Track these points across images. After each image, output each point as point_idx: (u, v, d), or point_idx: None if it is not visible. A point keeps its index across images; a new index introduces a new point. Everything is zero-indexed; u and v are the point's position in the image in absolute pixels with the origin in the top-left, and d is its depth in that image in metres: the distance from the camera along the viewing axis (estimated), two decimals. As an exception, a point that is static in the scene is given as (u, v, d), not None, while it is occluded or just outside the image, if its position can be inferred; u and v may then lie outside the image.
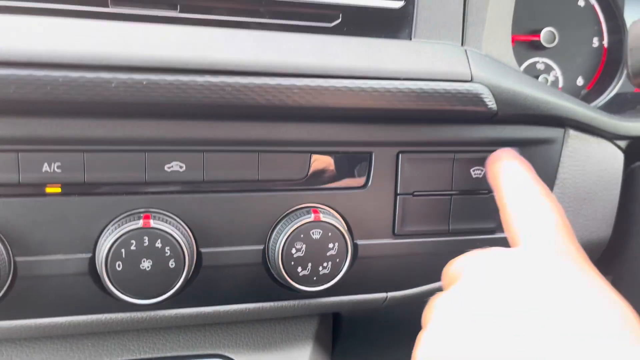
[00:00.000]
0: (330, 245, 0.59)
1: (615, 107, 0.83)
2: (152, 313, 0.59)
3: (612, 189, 0.71)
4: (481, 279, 0.42)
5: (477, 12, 0.62)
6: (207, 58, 0.50)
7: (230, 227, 0.58)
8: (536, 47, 0.81)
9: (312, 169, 0.60)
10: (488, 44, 0.62)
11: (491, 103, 0.58)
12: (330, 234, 0.58)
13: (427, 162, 0.62)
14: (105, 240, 0.53)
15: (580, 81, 0.85)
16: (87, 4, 0.52)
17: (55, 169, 0.52)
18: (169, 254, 0.53)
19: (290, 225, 0.57)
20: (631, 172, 0.75)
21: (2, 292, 0.53)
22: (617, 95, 0.84)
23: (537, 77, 0.81)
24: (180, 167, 0.55)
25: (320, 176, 0.60)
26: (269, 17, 0.57)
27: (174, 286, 0.54)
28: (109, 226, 0.54)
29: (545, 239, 0.45)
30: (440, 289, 0.68)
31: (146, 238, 0.52)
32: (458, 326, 0.40)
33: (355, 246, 0.62)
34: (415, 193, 0.63)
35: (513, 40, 0.80)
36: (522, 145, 0.66)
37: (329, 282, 0.60)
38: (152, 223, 0.53)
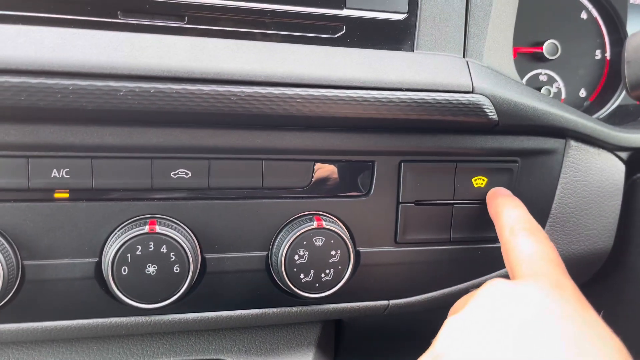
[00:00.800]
0: (333, 253, 0.59)
1: (618, 118, 0.83)
2: (156, 318, 0.60)
3: (614, 200, 0.71)
4: (487, 311, 0.44)
5: (479, 25, 0.63)
6: (213, 68, 0.51)
7: (234, 234, 0.59)
8: (539, 59, 0.82)
9: (315, 177, 0.60)
10: (489, 55, 0.63)
11: (492, 114, 0.59)
12: (332, 241, 0.59)
13: (429, 171, 0.63)
14: (111, 245, 0.53)
15: (582, 93, 0.85)
16: (97, 15, 0.53)
17: (64, 175, 0.53)
18: (173, 259, 0.54)
19: (293, 232, 0.58)
20: (632, 184, 0.75)
21: (10, 295, 0.54)
22: (619, 107, 0.84)
23: (540, 88, 0.82)
24: (186, 174, 0.56)
25: (323, 184, 0.61)
26: (274, 29, 0.58)
27: (178, 291, 0.55)
28: (116, 231, 0.55)
29: (542, 273, 0.48)
30: (441, 298, 0.69)
31: (152, 243, 0.53)
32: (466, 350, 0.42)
33: (357, 254, 0.63)
34: (417, 202, 0.63)
35: (516, 52, 0.81)
36: (524, 156, 0.66)
37: (331, 289, 0.60)
38: (158, 229, 0.53)
